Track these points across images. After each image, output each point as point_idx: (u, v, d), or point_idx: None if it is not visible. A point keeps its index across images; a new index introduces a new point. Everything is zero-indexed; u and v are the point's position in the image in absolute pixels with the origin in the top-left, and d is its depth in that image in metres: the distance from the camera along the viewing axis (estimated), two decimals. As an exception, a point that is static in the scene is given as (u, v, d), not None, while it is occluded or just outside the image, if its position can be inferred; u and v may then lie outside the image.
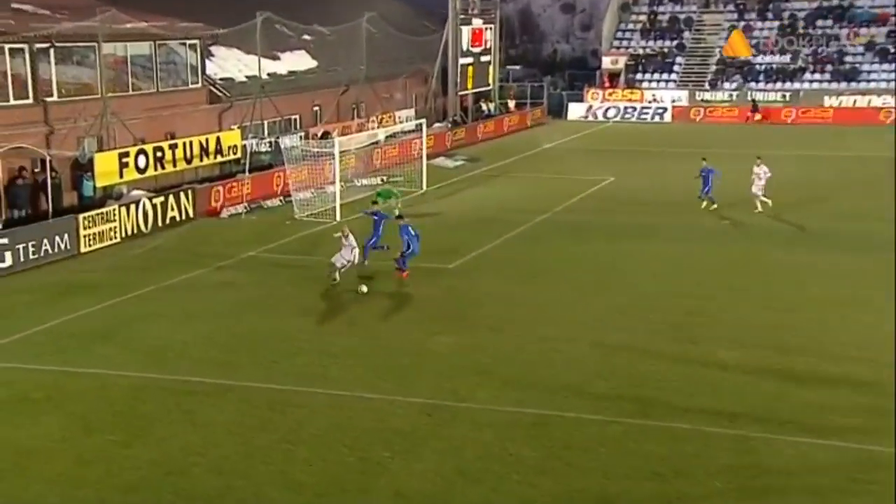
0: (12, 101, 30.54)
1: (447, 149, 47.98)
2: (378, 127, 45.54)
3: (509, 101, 62.22)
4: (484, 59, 57.21)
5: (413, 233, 24.72)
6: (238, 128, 38.10)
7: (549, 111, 63.59)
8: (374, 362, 18.73)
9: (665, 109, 61.92)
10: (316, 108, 46.20)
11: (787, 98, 60.73)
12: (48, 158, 29.73)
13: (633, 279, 24.69)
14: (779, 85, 61.92)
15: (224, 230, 31.41)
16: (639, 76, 65.29)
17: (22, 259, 25.97)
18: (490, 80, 58.92)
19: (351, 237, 23.95)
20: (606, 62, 66.65)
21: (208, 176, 36.65)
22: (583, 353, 19.18)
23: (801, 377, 17.73)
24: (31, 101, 31.25)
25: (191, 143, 34.77)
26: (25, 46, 30.88)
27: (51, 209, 28.93)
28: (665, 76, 64.82)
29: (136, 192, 32.31)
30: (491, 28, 57.96)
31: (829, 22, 64.26)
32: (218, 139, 36.18)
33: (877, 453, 14.53)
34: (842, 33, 63.36)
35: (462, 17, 53.75)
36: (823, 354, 18.88)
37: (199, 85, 38.82)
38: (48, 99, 31.76)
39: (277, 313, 22.00)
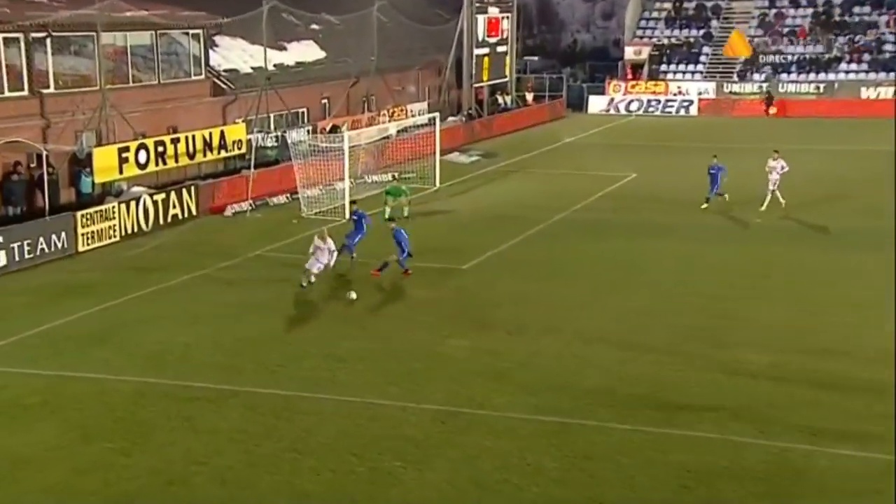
0: (7, 93, 30.55)
1: (462, 144, 47.92)
2: (389, 121, 45.50)
3: (527, 93, 62.18)
4: (500, 49, 57.16)
5: (405, 235, 24.70)
6: (243, 121, 38.11)
7: (568, 104, 63.49)
8: (385, 367, 18.68)
9: (691, 102, 61.72)
10: (324, 101, 46.20)
11: (821, 90, 60.37)
12: (45, 153, 29.76)
13: (655, 280, 24.58)
14: (812, 76, 61.58)
15: (228, 228, 31.42)
16: (663, 67, 65.11)
17: (17, 258, 26.01)
18: (507, 72, 58.90)
19: (330, 241, 23.82)
20: (629, 53, 66.51)
21: (212, 172, 36.65)
22: (604, 357, 19.08)
23: (835, 383, 17.60)
24: (26, 93, 31.28)
25: (193, 137, 34.78)
26: (21, 36, 30.91)
27: (47, 206, 28.96)
28: (691, 67, 64.60)
29: (136, 189, 32.33)
30: (508, 17, 57.91)
31: (867, 9, 63.93)
32: (222, 133, 36.19)
33: (917, 465, 14.38)
34: (881, 20, 62.97)
35: (478, 5, 53.71)
36: (857, 358, 18.75)
37: (203, 77, 38.84)
38: (45, 91, 31.78)
39: (284, 315, 21.98)
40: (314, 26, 47.30)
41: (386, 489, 13.95)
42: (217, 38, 41.53)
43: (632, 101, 62.86)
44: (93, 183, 31.51)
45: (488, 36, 55.25)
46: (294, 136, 36.48)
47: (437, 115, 40.85)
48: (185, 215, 31.96)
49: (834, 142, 47.33)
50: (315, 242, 23.71)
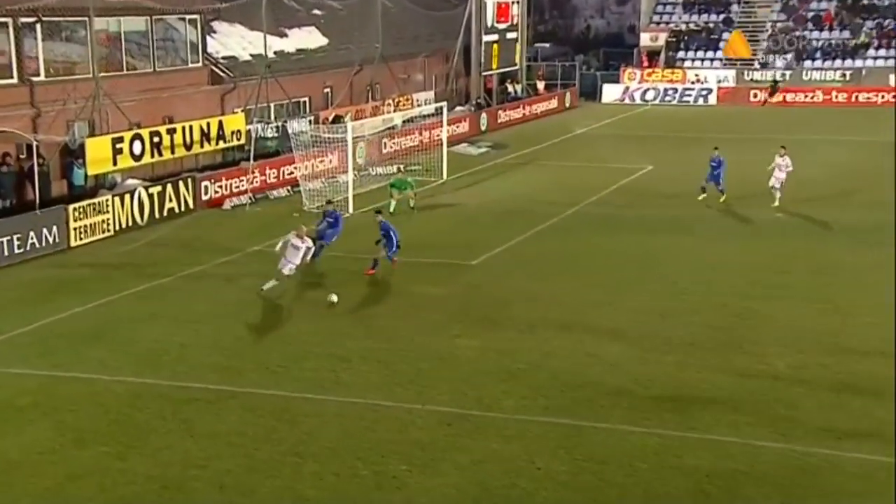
0: (-4, 81, 30.72)
1: (470, 135, 47.94)
2: (394, 110, 45.52)
3: (538, 82, 62.17)
4: (510, 36, 57.13)
5: (394, 227, 24.68)
6: (242, 111, 38.17)
7: (581, 93, 63.51)
8: (391, 367, 18.72)
9: (710, 91, 61.66)
10: (327, 90, 46.24)
11: (848, 77, 60.21)
12: (35, 144, 29.87)
13: (673, 277, 24.59)
14: (838, 63, 61.40)
15: (227, 222, 31.51)
16: (681, 54, 65.08)
17: (6, 253, 26.13)
18: (517, 60, 58.87)
19: (308, 239, 23.22)
20: (645, 39, 66.46)
21: (210, 164, 36.75)
22: (619, 357, 19.11)
23: (859, 384, 17.60)
24: (15, 80, 31.37)
25: (190, 127, 34.84)
26: (9, 20, 30.97)
27: (38, 199, 29.04)
28: (710, 54, 64.53)
29: (130, 181, 32.43)
30: (518, 2, 57.88)
31: (898, -10, 63.75)
32: (220, 123, 36.24)
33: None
34: (912, 4, 62.83)
35: (487, -11, 53.70)
36: (882, 359, 18.71)
37: (200, 64, 38.92)
38: (35, 79, 31.88)
39: (285, 314, 22.05)
40: (316, 11, 47.34)
41: (391, 494, 14.00)
42: (215, 24, 41.60)
43: (647, 89, 62.82)
44: (85, 175, 31.59)
45: (498, 22, 55.21)
46: (295, 126, 36.53)
47: (444, 104, 40.90)
48: (182, 209, 32.04)
49: (859, 132, 47.24)
50: (291, 241, 22.84)
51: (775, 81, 60.01)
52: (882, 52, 61.07)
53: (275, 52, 41.76)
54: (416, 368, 18.64)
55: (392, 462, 14.83)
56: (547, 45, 69.17)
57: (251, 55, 41.28)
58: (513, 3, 57.10)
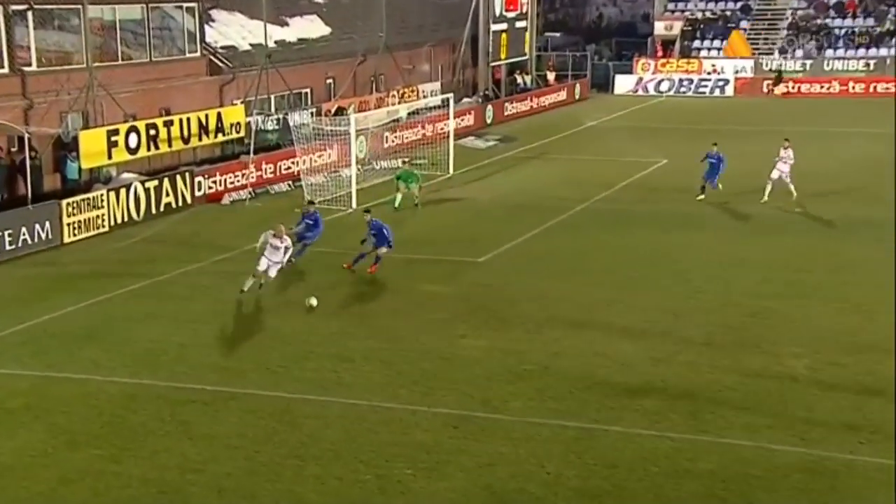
0: (-14, 72, 30.82)
1: (475, 128, 47.95)
2: (399, 102, 45.62)
3: (548, 72, 62.17)
4: (519, 25, 57.13)
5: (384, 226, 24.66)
6: (241, 103, 38.24)
7: (592, 84, 63.52)
8: (395, 368, 18.78)
9: (727, 82, 61.60)
10: (329, 81, 46.31)
11: (872, 67, 60.07)
12: (27, 136, 29.92)
13: (686, 275, 24.62)
14: (861, 52, 61.24)
15: (226, 218, 31.59)
16: (696, 44, 65.04)
17: (-2, 250, 26.23)
18: (526, 49, 58.85)
19: (287, 239, 22.98)
20: (659, 28, 66.44)
21: (208, 157, 36.85)
22: (630, 358, 19.15)
23: (881, 387, 17.58)
24: (6, 70, 31.46)
25: (188, 119, 34.92)
26: None
27: (30, 194, 29.13)
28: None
29: (126, 176, 32.50)
30: (528, -10, 57.86)
31: (926, -24, 63.58)
32: (219, 116, 36.32)
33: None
34: (942, -12, 62.67)
35: (495, -23, 53.73)
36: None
37: (198, 54, 39.00)
38: (26, 69, 31.98)
39: (286, 312, 22.10)
40: (318, 0, 47.41)
41: (394, 498, 14.06)
42: (213, 13, 41.69)
43: (662, 80, 62.79)
44: (79, 169, 31.66)
45: (506, 10, 55.22)
46: (297, 118, 36.60)
47: (450, 96, 40.92)
48: (180, 204, 32.13)
49: (878, 124, 47.12)
50: (269, 240, 22.58)
51: (780, 71, 60.00)
52: (908, 39, 60.90)
53: (275, 42, 41.82)
54: (420, 369, 18.70)
55: (396, 465, 14.89)
56: (557, 34, 69.16)
57: (251, 45, 41.35)
58: (522, -10, 57.11)
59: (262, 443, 15.67)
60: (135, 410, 16.94)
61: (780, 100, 58.21)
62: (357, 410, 16.86)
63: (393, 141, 41.24)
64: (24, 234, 26.93)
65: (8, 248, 26.47)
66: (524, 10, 57.46)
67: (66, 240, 28.10)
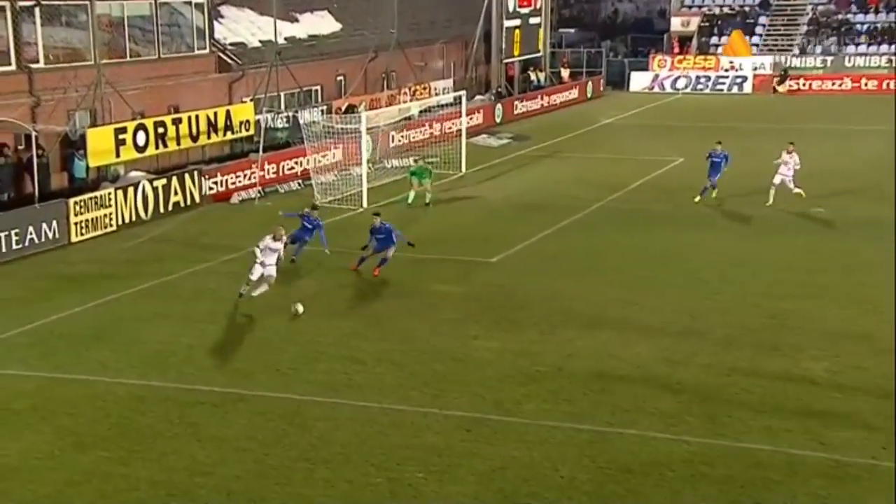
0: (-7, 69, 30.91)
1: (485, 126, 47.92)
2: (411, 100, 45.62)
3: (562, 69, 62.12)
4: (533, 21, 57.12)
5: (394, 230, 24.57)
6: (251, 100, 38.31)
7: (608, 81, 63.45)
8: (406, 370, 18.79)
9: (745, 79, 61.46)
10: (340, 78, 46.36)
11: (895, 64, 59.80)
12: (34, 134, 30.04)
13: (703, 276, 24.58)
14: (884, 48, 60.96)
15: (234, 217, 31.64)
16: (714, 40, 64.90)
17: (4, 249, 26.31)
18: (540, 46, 58.84)
19: (281, 243, 22.69)
20: (676, 24, 66.37)
21: (217, 155, 36.90)
22: (646, 360, 19.11)
23: (902, 390, 17.55)
24: (13, 67, 31.56)
25: (197, 117, 35.00)
26: (7, 4, 31.15)
27: (37, 192, 29.23)
28: (746, 40, 64.21)
29: (134, 174, 32.57)
30: (542, -15, 57.83)
31: (953, -31, 63.33)
32: (228, 113, 36.39)
33: None
34: (969, -18, 62.42)
35: (508, -28, 53.73)
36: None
37: (207, 51, 39.08)
38: (33, 66, 32.06)
39: (296, 314, 22.11)
40: (329, -5, 47.49)
41: (405, 502, 14.06)
42: (222, 9, 41.77)
43: (678, 77, 62.68)
44: (87, 167, 31.75)
45: (520, 6, 55.22)
46: (307, 116, 36.63)
47: (463, 93, 40.95)
48: (188, 203, 32.19)
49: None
50: (266, 243, 22.33)
51: (785, 69, 59.87)
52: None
53: (285, 39, 41.89)
54: (431, 371, 18.70)
55: (407, 469, 14.89)
56: (572, 30, 69.13)
57: (260, 41, 41.42)
58: (536, -14, 57.10)
59: (272, 445, 15.69)
60: (143, 412, 16.98)
61: (795, 98, 58.00)
62: (368, 413, 16.87)
63: (399, 140, 41.16)
64: (31, 233, 27.02)
65: (15, 247, 26.56)
66: (538, 6, 57.44)
67: (74, 239, 28.18)
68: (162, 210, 31.12)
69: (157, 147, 33.40)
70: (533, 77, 59.29)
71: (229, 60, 39.86)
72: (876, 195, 32.36)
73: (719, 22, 65.66)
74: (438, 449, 15.53)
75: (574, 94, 58.73)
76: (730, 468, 14.86)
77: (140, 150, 32.67)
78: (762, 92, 60.12)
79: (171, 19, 37.68)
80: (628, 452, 15.40)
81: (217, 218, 31.48)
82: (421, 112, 43.03)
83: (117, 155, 31.96)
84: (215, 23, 40.08)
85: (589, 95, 59.98)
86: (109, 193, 29.65)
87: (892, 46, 60.60)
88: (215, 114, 35.77)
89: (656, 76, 63.20)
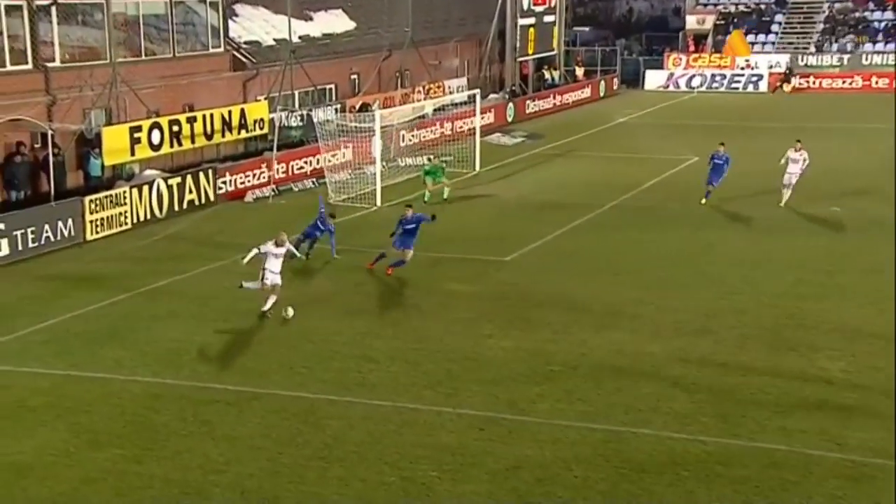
0: (9, 67, 30.94)
1: (496, 125, 47.88)
2: (425, 98, 45.62)
3: (577, 68, 62.07)
4: (547, 19, 57.06)
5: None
6: (265, 99, 38.36)
7: (622, 80, 63.35)
8: (420, 368, 18.80)
9: (761, 77, 61.29)
10: (354, 77, 46.38)
11: (903, 62, 59.66)
12: (50, 133, 30.14)
13: (718, 275, 24.51)
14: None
15: (249, 216, 31.69)
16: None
17: (20, 247, 26.38)
18: (554, 44, 58.78)
19: (289, 245, 22.29)
20: (691, 22, 66.21)
21: (231, 154, 36.97)
22: (661, 360, 19.08)
23: (919, 392, 17.47)
24: (30, 66, 31.66)
25: (211, 116, 35.07)
26: (24, 3, 31.26)
27: (53, 191, 29.35)
28: (761, 38, 64.09)
29: (149, 172, 32.69)
30: (556, -17, 57.76)
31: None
32: (242, 112, 36.45)
33: None
34: None
35: (523, -30, 53.67)
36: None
37: (222, 49, 39.14)
38: (49, 64, 32.15)
39: (310, 312, 22.12)
40: (343, -7, 47.51)
41: (419, 501, 14.06)
42: (237, 7, 41.85)
43: (693, 75, 62.55)
44: (102, 165, 31.86)
45: (534, 4, 55.16)
46: (321, 115, 36.67)
47: (477, 91, 40.94)
48: (203, 201, 32.25)
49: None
50: (268, 247, 21.63)
51: (789, 68, 59.69)
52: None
53: (300, 37, 41.95)
54: (445, 370, 18.70)
55: (421, 467, 14.90)
56: (586, 28, 69.07)
57: (275, 40, 41.48)
58: (550, -16, 57.02)
59: (286, 444, 15.71)
60: (157, 410, 17.02)
61: (811, 96, 57.84)
62: (381, 411, 16.88)
63: (410, 140, 41.09)
64: (46, 231, 27.10)
65: (31, 244, 26.64)
66: (552, 5, 57.36)
67: (89, 237, 28.27)
68: (176, 208, 31.19)
69: (171, 145, 33.48)
70: (547, 75, 59.23)
71: (244, 59, 39.92)
72: (892, 194, 32.16)
73: (735, 20, 65.45)
74: (452, 448, 15.53)
75: (587, 92, 58.62)
76: (745, 468, 14.82)
77: (155, 148, 32.75)
78: (778, 91, 59.91)
79: (185, 18, 37.76)
80: (643, 452, 15.37)
81: (231, 216, 31.54)
82: (434, 111, 43.02)
83: (132, 153, 32.05)
84: (230, 21, 40.16)
85: (602, 94, 59.87)
86: (124, 192, 29.73)
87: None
88: (230, 112, 35.82)
89: (671, 75, 63.08)
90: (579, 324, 21.10)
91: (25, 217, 26.98)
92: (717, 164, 31.72)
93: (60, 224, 27.53)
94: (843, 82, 59.16)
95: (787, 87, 59.05)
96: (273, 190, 34.21)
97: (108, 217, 28.91)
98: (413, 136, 41.14)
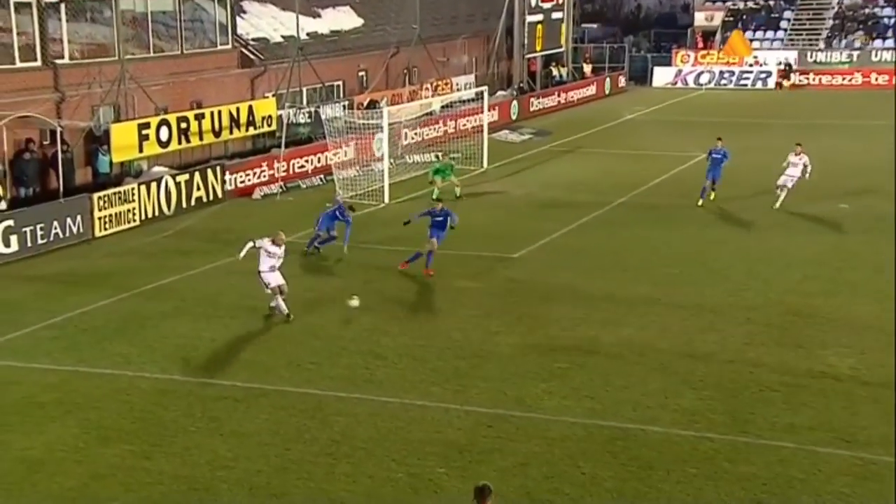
0: (18, 64, 31.00)
1: (501, 123, 47.83)
2: (433, 95, 45.61)
3: (585, 65, 62.00)
4: (555, 16, 56.99)
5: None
6: (273, 96, 38.40)
7: (630, 77, 63.27)
8: (428, 365, 18.80)
9: (769, 74, 61.17)
10: (362, 74, 46.39)
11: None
12: (59, 129, 30.18)
13: (726, 273, 24.49)
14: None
15: (256, 213, 31.72)
16: (738, 35, 64.54)
17: (29, 244, 26.45)
18: (562, 41, 58.71)
19: (285, 247, 21.58)
20: (700, 18, 66.14)
21: (239, 151, 37.00)
22: (668, 357, 19.06)
23: (928, 389, 17.43)
24: (38, 63, 31.70)
25: (220, 113, 35.12)
26: (33, 1, 31.32)
27: (62, 187, 29.37)
28: (770, 34, 63.96)
29: (157, 169, 32.73)
30: (564, -20, 57.71)
31: None
32: (250, 109, 36.50)
33: None
34: None
35: (531, -33, 53.62)
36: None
37: (229, 46, 39.16)
38: (58, 61, 32.21)
39: (317, 308, 22.15)
40: (351, -10, 47.52)
41: (427, 497, 14.07)
42: (245, 4, 41.87)
43: (702, 72, 62.46)
44: (110, 162, 31.94)
45: (542, 1, 55.09)
46: (329, 111, 36.69)
47: (485, 89, 40.90)
48: (211, 198, 32.29)
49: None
50: (264, 244, 21.18)
51: (789, 65, 59.56)
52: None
53: (307, 34, 41.95)
54: (453, 366, 18.70)
55: (428, 464, 14.91)
56: (594, 25, 69.03)
57: (283, 37, 41.50)
58: (558, -19, 56.97)
59: (293, 440, 15.74)
60: (166, 406, 17.05)
61: (819, 93, 57.72)
62: (389, 408, 16.89)
63: (415, 137, 41.04)
64: (55, 228, 27.16)
65: (40, 241, 26.71)
66: (560, 1, 57.30)
67: (98, 233, 28.32)
68: (184, 205, 31.24)
69: (179, 142, 33.54)
70: (555, 72, 59.16)
71: (252, 56, 39.96)
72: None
73: (744, 16, 65.31)
74: (460, 445, 15.54)
75: (592, 90, 58.50)
76: (753, 465, 14.81)
77: (163, 145, 32.82)
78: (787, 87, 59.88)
79: (193, 15, 37.80)
80: (650, 449, 15.36)
81: (239, 213, 31.57)
82: (442, 108, 43.01)
83: (140, 150, 32.13)
84: (238, 18, 40.19)
85: (607, 91, 59.77)
86: (133, 188, 29.78)
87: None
88: (238, 109, 35.89)
89: (679, 71, 63.01)
90: (587, 320, 21.09)
91: (34, 214, 27.05)
92: (716, 158, 31.61)
93: (69, 221, 27.58)
94: (844, 79, 58.96)
95: (786, 84, 58.91)
96: (281, 187, 34.23)
97: (116, 214, 28.96)
98: (416, 133, 41.08)
